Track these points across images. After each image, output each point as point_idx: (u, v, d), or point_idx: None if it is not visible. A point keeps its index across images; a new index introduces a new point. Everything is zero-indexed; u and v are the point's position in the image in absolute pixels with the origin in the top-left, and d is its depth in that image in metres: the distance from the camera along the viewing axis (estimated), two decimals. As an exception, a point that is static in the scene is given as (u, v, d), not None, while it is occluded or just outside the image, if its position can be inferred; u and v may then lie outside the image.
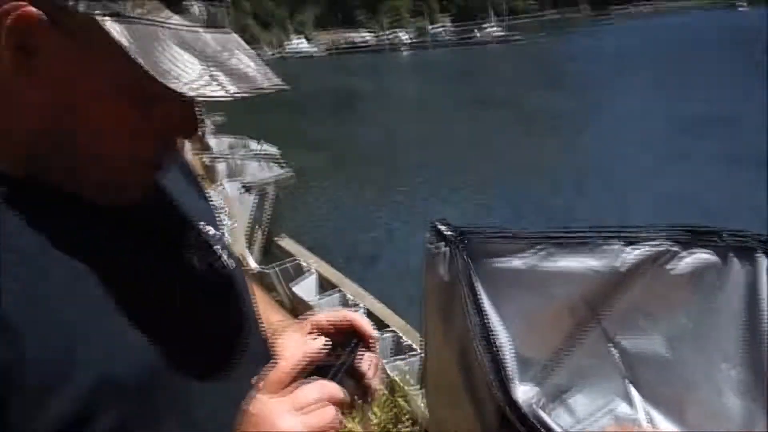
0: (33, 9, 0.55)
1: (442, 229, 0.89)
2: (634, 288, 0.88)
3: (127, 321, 0.61)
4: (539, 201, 11.10)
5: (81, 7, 0.54)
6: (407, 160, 15.15)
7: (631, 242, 0.87)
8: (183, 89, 0.54)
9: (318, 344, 0.67)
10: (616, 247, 0.87)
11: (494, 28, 70.28)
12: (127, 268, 0.64)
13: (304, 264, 7.46)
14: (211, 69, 0.56)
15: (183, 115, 0.62)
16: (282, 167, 12.05)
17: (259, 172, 11.61)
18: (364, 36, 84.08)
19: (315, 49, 71.76)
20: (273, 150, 13.24)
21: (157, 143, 0.64)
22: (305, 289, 6.89)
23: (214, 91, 0.55)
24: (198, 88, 0.55)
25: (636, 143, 15.01)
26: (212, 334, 0.70)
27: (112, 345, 0.59)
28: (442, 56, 55.40)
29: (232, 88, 0.56)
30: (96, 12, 0.54)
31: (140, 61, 0.54)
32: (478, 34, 68.74)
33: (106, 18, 0.54)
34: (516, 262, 0.87)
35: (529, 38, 59.53)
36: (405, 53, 61.70)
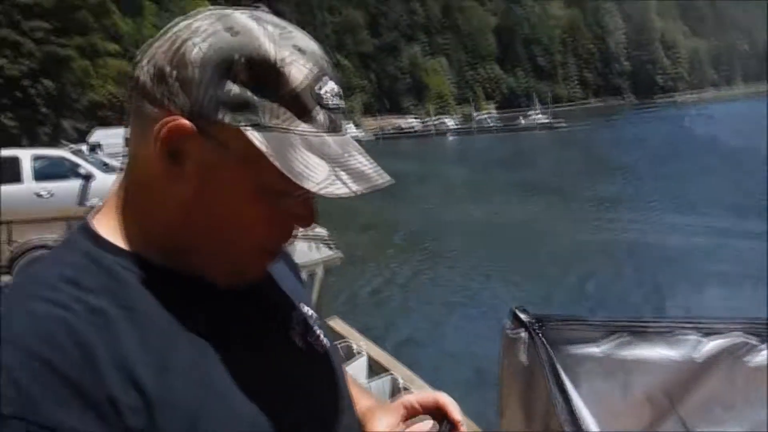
0: (185, 122, 0.64)
1: (521, 315, 0.93)
2: (712, 379, 0.90)
3: (240, 396, 0.67)
4: (586, 286, 10.94)
5: (227, 119, 0.63)
6: (451, 243, 15.20)
7: (707, 333, 0.90)
8: (315, 189, 0.62)
9: (425, 427, 0.71)
10: (693, 338, 0.90)
11: (539, 115, 71.28)
12: (241, 345, 0.71)
13: (354, 346, 7.43)
14: (336, 170, 0.64)
15: (305, 208, 0.70)
16: (330, 248, 12.23)
17: (308, 252, 11.79)
18: (411, 122, 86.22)
19: (362, 134, 73.67)
20: (322, 231, 13.49)
21: (280, 234, 0.72)
22: (356, 371, 6.83)
23: (339, 190, 0.63)
24: (326, 187, 0.63)
25: (680, 227, 14.78)
26: (314, 411, 0.76)
27: (228, 419, 0.65)
28: (486, 141, 56.20)
29: (354, 187, 0.64)
30: (240, 123, 0.63)
31: (277, 164, 0.62)
32: (522, 121, 69.75)
33: (248, 128, 0.63)
34: (594, 350, 0.91)
35: (573, 126, 60.14)
36: (450, 138, 62.92)
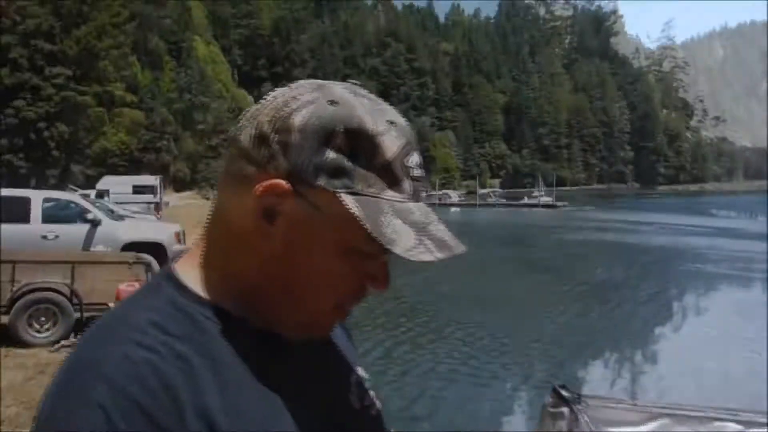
0: (284, 183, 0.68)
1: (563, 392, 0.95)
2: (750, 470, 0.90)
3: None
4: (590, 367, 10.80)
5: (323, 184, 0.68)
6: (451, 315, 15.09)
7: (746, 425, 0.91)
8: (403, 254, 0.66)
9: None
10: (732, 428, 0.91)
11: (542, 195, 71.98)
12: (307, 402, 0.73)
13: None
14: (421, 236, 0.68)
15: (383, 271, 0.74)
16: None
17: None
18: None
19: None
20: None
21: (355, 294, 0.75)
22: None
23: (425, 256, 0.67)
24: (414, 253, 0.66)
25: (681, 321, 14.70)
26: None
27: None
28: (489, 215, 56.57)
29: (438, 254, 0.67)
30: (336, 188, 0.68)
31: (368, 227, 0.66)
32: (526, 200, 70.35)
33: (343, 193, 0.68)
34: (635, 432, 0.92)
35: (576, 208, 60.64)
36: (452, 210, 63.45)
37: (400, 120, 0.72)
